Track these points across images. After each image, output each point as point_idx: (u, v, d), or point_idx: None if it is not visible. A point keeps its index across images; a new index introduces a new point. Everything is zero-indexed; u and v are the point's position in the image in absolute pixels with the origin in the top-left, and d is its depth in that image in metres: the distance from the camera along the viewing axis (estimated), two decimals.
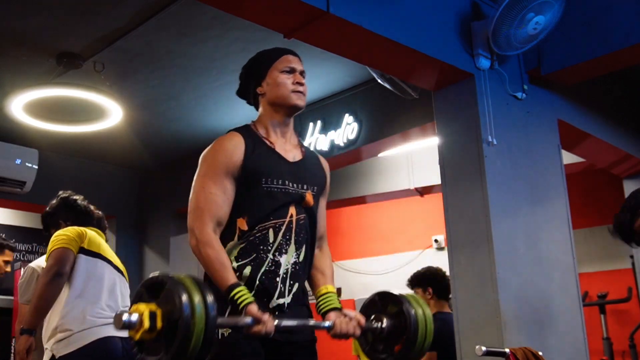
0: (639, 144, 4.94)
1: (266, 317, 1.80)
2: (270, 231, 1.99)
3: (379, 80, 4.12)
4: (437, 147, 3.68)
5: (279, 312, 1.98)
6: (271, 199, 2.00)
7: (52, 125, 5.03)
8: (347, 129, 4.97)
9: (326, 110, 5.15)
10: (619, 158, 4.92)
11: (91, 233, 3.11)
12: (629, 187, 5.24)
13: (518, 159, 3.66)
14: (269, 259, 1.98)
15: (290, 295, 2.02)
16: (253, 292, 1.93)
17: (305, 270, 2.08)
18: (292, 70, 2.13)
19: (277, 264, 1.99)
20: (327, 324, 1.98)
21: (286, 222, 2.01)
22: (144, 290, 1.69)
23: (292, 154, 2.12)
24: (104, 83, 4.47)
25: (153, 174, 6.59)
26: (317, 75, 4.69)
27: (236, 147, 2.02)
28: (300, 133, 5.17)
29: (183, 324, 1.57)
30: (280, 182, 2.02)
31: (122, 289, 3.11)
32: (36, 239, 6.80)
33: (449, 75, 3.55)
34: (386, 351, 2.03)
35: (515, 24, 3.40)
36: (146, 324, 1.60)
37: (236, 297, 1.84)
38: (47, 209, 3.29)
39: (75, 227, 3.09)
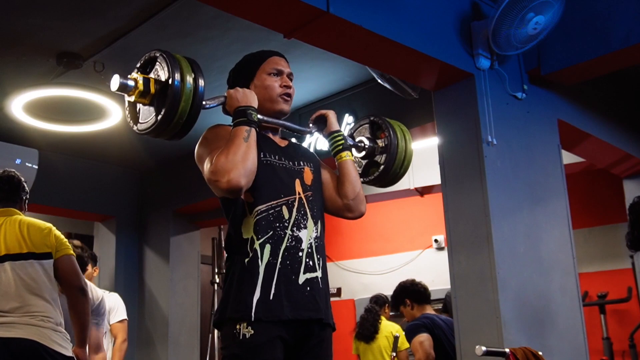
0: (639, 144, 4.94)
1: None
2: (284, 208, 2.00)
3: (379, 80, 4.12)
4: (437, 147, 3.68)
5: (311, 286, 1.98)
6: (274, 172, 2.03)
7: (52, 125, 5.03)
8: (347, 129, 4.96)
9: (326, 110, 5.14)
10: (619, 158, 4.92)
11: None
12: (628, 187, 5.24)
13: (518, 159, 3.66)
14: (287, 234, 1.98)
15: (321, 270, 2.04)
16: (277, 271, 1.93)
17: (323, 245, 2.11)
18: (279, 73, 2.14)
19: (298, 239, 1.99)
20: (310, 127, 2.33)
21: (297, 199, 2.03)
22: (140, 66, 1.94)
23: (282, 144, 2.18)
24: (104, 83, 4.47)
25: (153, 174, 6.59)
26: (317, 75, 4.69)
27: (228, 130, 2.05)
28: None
29: (173, 87, 1.82)
30: (277, 158, 2.07)
31: (6, 280, 2.82)
32: None
33: (449, 75, 3.55)
34: (366, 172, 2.44)
35: (515, 24, 3.40)
36: (140, 86, 1.86)
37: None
38: None
39: None
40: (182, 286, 6.28)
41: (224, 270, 1.98)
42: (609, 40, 3.58)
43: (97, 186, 6.26)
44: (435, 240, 6.90)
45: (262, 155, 2.01)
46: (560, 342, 3.53)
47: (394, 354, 5.14)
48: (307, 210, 2.04)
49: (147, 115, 1.91)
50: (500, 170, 3.50)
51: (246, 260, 1.94)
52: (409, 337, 4.02)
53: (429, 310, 4.13)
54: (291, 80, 2.17)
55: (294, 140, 2.31)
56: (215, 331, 6.21)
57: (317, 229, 2.06)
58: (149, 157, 6.24)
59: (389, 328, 5.37)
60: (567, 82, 4.04)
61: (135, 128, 1.96)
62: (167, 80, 1.84)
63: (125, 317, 4.52)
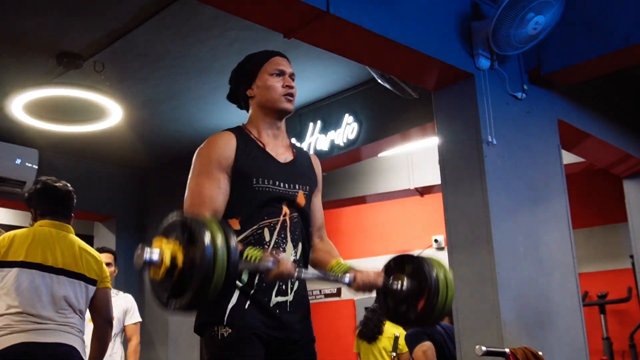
0: (639, 144, 4.94)
1: (283, 256, 1.81)
2: (266, 230, 1.99)
3: (379, 80, 4.12)
4: (437, 147, 3.68)
5: (280, 310, 1.98)
6: (263, 198, 2.00)
7: (52, 125, 5.03)
8: (347, 129, 4.97)
9: (326, 110, 5.15)
10: (619, 158, 4.92)
11: (18, 236, 3.00)
12: (628, 187, 5.25)
13: (518, 159, 3.66)
14: None
15: (293, 293, 2.02)
16: (252, 291, 1.93)
17: (303, 267, 2.08)
18: (281, 73, 2.13)
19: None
20: (347, 279, 1.95)
21: (280, 221, 2.02)
22: (166, 230, 1.66)
23: (284, 156, 2.12)
24: (104, 83, 4.47)
25: (153, 174, 6.59)
26: (317, 75, 4.69)
27: (228, 144, 2.03)
28: (300, 133, 5.18)
29: (204, 264, 1.54)
30: (270, 182, 2.02)
31: (57, 290, 2.98)
32: None
33: (449, 75, 3.55)
34: (409, 310, 2.01)
35: (515, 24, 3.40)
36: (167, 261, 1.57)
37: (248, 255, 1.82)
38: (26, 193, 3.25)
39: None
40: None
41: None
42: (609, 40, 3.58)
43: (97, 186, 6.25)
44: (435, 240, 6.90)
45: (254, 182, 1.99)
46: (560, 342, 3.53)
47: (394, 354, 5.13)
48: (288, 234, 2.03)
49: (179, 289, 1.62)
50: (500, 170, 3.50)
51: None
52: (411, 345, 3.97)
53: None
54: (293, 80, 2.16)
55: (297, 143, 2.29)
56: None
57: (296, 252, 2.04)
58: (149, 157, 6.24)
59: (392, 330, 5.37)
60: (567, 82, 4.04)
61: (169, 308, 1.65)
62: (196, 246, 1.57)
63: (140, 319, 4.57)
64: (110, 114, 4.78)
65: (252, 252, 1.83)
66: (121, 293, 4.65)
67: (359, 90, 4.96)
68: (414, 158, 5.96)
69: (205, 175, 1.99)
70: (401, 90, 4.13)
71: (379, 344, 5.36)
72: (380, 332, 5.35)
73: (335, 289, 7.10)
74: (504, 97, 3.69)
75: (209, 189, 1.97)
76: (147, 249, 1.58)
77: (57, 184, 3.22)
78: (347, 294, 7.20)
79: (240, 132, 2.11)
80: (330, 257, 2.14)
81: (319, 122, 5.15)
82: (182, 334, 6.20)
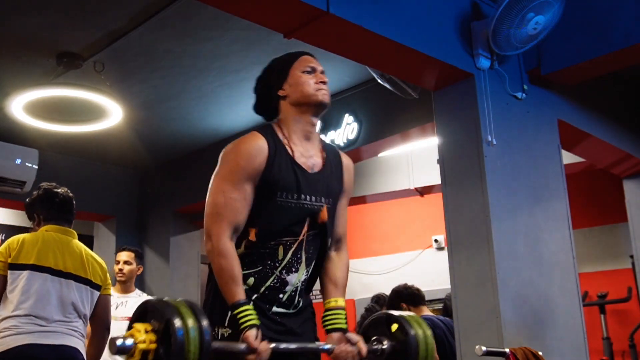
0: (639, 144, 4.94)
1: (262, 346, 1.76)
2: (281, 248, 1.95)
3: (379, 80, 4.12)
4: (437, 147, 3.68)
5: (280, 317, 1.97)
6: (285, 214, 1.95)
7: (52, 125, 5.02)
8: (347, 129, 4.97)
9: (326, 110, 5.14)
10: (619, 158, 4.92)
11: (28, 240, 3.03)
12: (629, 187, 5.24)
13: (518, 159, 3.66)
14: (275, 275, 1.95)
15: (297, 310, 2.01)
16: (255, 297, 1.92)
17: (311, 284, 2.06)
18: (313, 70, 2.09)
19: (284, 282, 1.96)
20: (327, 346, 1.96)
21: (298, 241, 1.97)
22: (138, 315, 1.67)
23: (312, 162, 2.05)
24: (104, 83, 4.47)
25: (153, 174, 6.59)
26: None
27: (259, 153, 1.94)
28: None
29: (177, 349, 1.56)
30: (295, 197, 1.96)
31: (66, 294, 3.04)
32: None
33: (449, 75, 3.54)
34: None
35: (515, 24, 3.40)
36: (141, 346, 1.58)
37: (239, 315, 1.81)
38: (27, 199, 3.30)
39: (7, 241, 3.04)
40: (182, 286, 6.27)
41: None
42: (609, 40, 3.58)
43: (97, 186, 6.25)
44: (435, 240, 6.90)
45: (278, 195, 1.94)
46: (560, 342, 3.53)
47: None
48: (303, 253, 1.99)
49: None
50: (500, 170, 3.49)
51: None
52: None
53: (426, 311, 4.12)
54: (325, 76, 2.11)
55: (326, 139, 2.22)
56: None
57: (307, 271, 2.02)
58: (149, 157, 6.24)
59: None
60: (567, 82, 4.04)
61: None
62: (166, 331, 1.60)
63: None
64: (110, 114, 4.78)
65: (245, 314, 1.81)
66: (144, 295, 4.66)
67: (359, 90, 4.96)
68: (414, 158, 5.96)
69: (231, 183, 1.92)
70: (401, 90, 4.13)
71: None
72: None
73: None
74: (504, 97, 3.69)
75: (234, 200, 1.91)
76: (120, 338, 1.59)
77: (59, 190, 3.28)
78: (347, 294, 7.18)
79: (271, 134, 2.02)
80: (332, 292, 2.07)
81: (319, 122, 5.14)
82: None
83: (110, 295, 3.34)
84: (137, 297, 4.52)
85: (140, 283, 6.36)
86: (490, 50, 3.55)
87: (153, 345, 1.59)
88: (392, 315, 2.08)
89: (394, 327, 2.04)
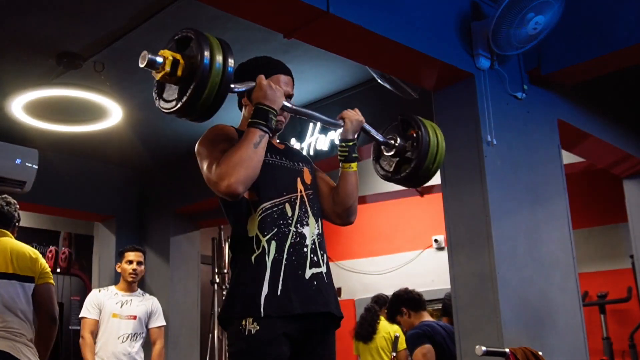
0: (639, 144, 4.94)
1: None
2: (287, 205, 2.04)
3: (379, 80, 4.12)
4: None
5: (317, 281, 2.02)
6: (277, 171, 2.07)
7: (52, 125, 5.03)
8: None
9: (326, 110, 5.11)
10: (619, 158, 4.92)
11: None
12: (629, 187, 5.25)
13: (518, 159, 3.66)
14: (291, 231, 2.02)
15: (325, 265, 2.08)
16: (283, 267, 1.96)
17: (324, 242, 2.14)
18: None
19: (302, 236, 2.03)
20: (339, 122, 2.32)
21: (299, 196, 2.08)
22: (173, 42, 1.84)
23: (276, 142, 2.23)
24: (104, 83, 4.47)
25: (153, 174, 6.59)
26: (317, 75, 4.69)
27: (229, 131, 2.08)
28: (300, 133, 5.17)
29: (200, 73, 1.74)
30: (277, 157, 2.10)
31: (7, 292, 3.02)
32: (37, 239, 6.80)
33: (449, 75, 3.54)
34: (397, 170, 2.38)
35: (515, 24, 3.40)
36: (167, 67, 1.76)
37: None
38: None
39: None
40: (182, 286, 6.28)
41: (229, 269, 2.02)
42: (609, 40, 3.58)
43: (97, 186, 6.25)
44: (435, 240, 6.90)
45: (266, 156, 2.01)
46: (560, 342, 3.53)
47: (394, 354, 5.14)
48: (308, 208, 2.09)
49: (173, 94, 1.83)
50: (500, 170, 3.49)
51: (253, 257, 1.97)
52: (411, 347, 3.99)
53: (426, 317, 4.12)
54: (291, 99, 2.17)
55: (297, 143, 2.35)
56: (216, 331, 6.22)
57: (318, 225, 2.11)
58: (149, 157, 6.24)
59: (387, 328, 5.37)
60: (567, 82, 4.04)
61: (159, 105, 1.87)
62: (196, 59, 1.76)
63: (164, 323, 4.56)
64: (110, 114, 4.78)
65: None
66: (147, 295, 4.64)
67: (359, 90, 4.96)
68: None
69: (224, 144, 1.98)
70: (401, 90, 4.13)
71: (375, 344, 5.37)
72: (374, 331, 5.37)
73: (336, 289, 7.09)
74: (504, 97, 3.69)
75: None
76: (151, 54, 1.77)
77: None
78: (346, 293, 7.19)
79: (235, 129, 2.14)
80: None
81: (319, 122, 5.14)
82: (182, 334, 6.21)
83: (50, 284, 3.21)
84: (141, 297, 4.52)
85: (140, 283, 6.36)
86: (490, 50, 3.55)
87: (179, 72, 1.75)
88: (409, 116, 2.38)
89: (411, 130, 2.34)
